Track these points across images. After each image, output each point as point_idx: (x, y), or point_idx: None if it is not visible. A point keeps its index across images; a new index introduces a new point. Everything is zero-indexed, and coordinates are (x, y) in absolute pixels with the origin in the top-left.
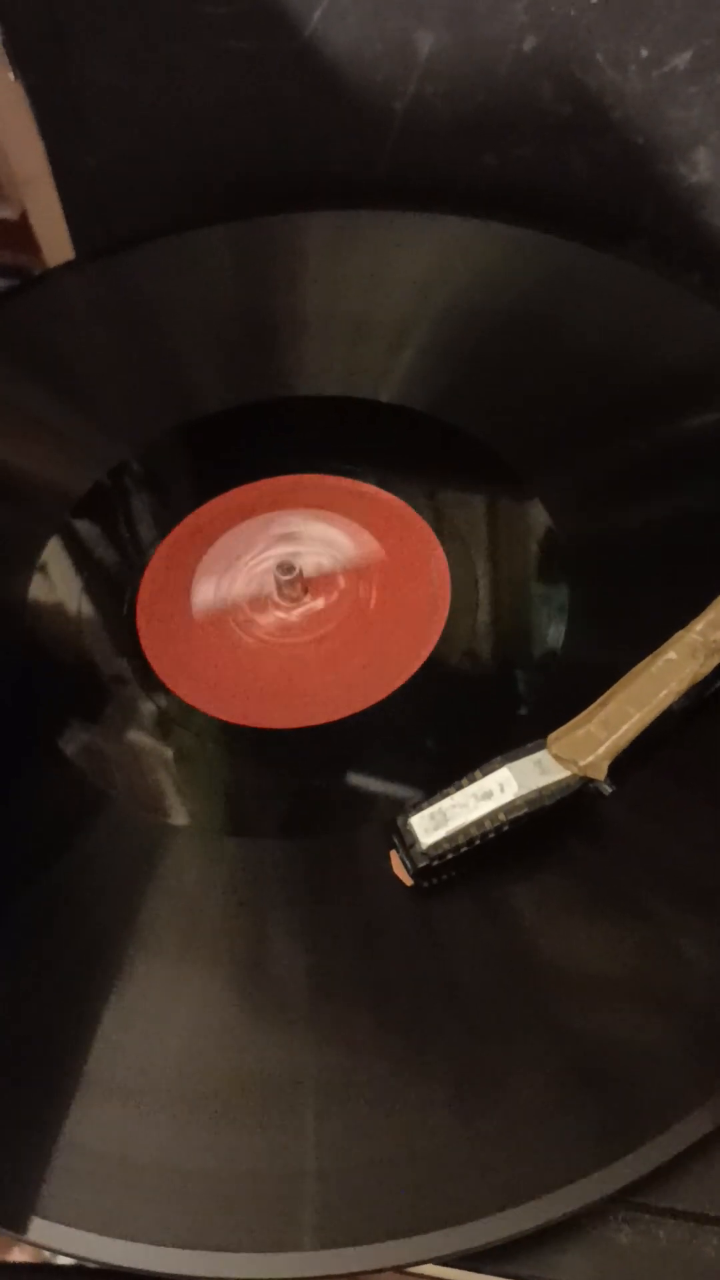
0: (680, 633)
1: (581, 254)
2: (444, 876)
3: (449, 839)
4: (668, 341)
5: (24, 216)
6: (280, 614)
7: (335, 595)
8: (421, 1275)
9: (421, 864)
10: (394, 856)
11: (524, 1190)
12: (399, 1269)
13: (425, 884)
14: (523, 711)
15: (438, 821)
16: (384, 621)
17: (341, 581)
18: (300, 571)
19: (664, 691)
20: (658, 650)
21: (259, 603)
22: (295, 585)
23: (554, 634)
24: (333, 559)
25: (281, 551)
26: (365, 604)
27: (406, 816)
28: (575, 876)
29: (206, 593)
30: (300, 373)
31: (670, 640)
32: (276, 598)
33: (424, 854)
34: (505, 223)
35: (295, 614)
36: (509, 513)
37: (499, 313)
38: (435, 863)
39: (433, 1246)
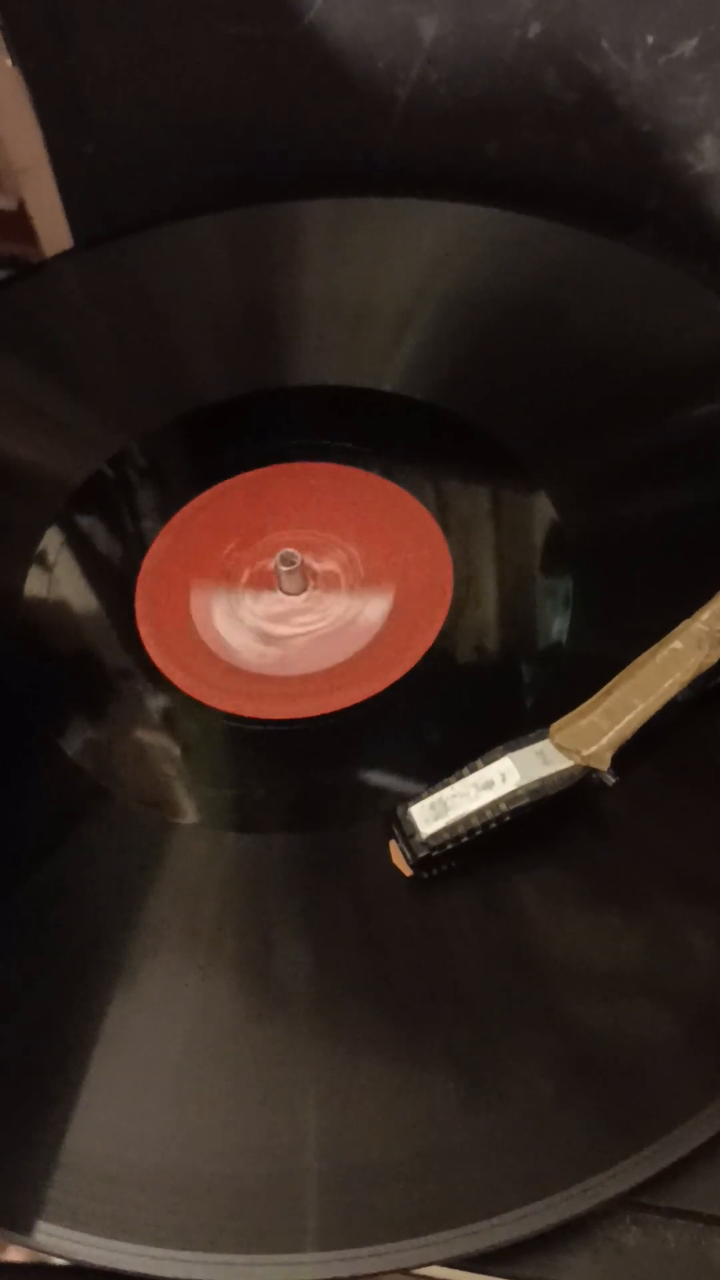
0: (686, 622)
1: (586, 242)
2: (444, 867)
3: (449, 829)
4: (673, 330)
5: (22, 207)
6: (281, 605)
7: (336, 585)
8: (426, 1277)
9: (421, 854)
10: (393, 846)
11: (530, 1191)
12: (403, 1271)
13: (425, 874)
14: (526, 704)
15: (438, 811)
16: (386, 608)
17: (343, 577)
18: (302, 563)
19: (669, 681)
20: (663, 640)
21: (260, 593)
22: (297, 576)
23: (558, 625)
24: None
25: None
26: (367, 595)
27: (406, 806)
28: (578, 869)
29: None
30: (301, 361)
31: (676, 630)
32: (278, 589)
33: (424, 844)
34: (509, 210)
35: (296, 605)
36: (512, 502)
37: (503, 301)
38: (435, 853)
39: (437, 1248)
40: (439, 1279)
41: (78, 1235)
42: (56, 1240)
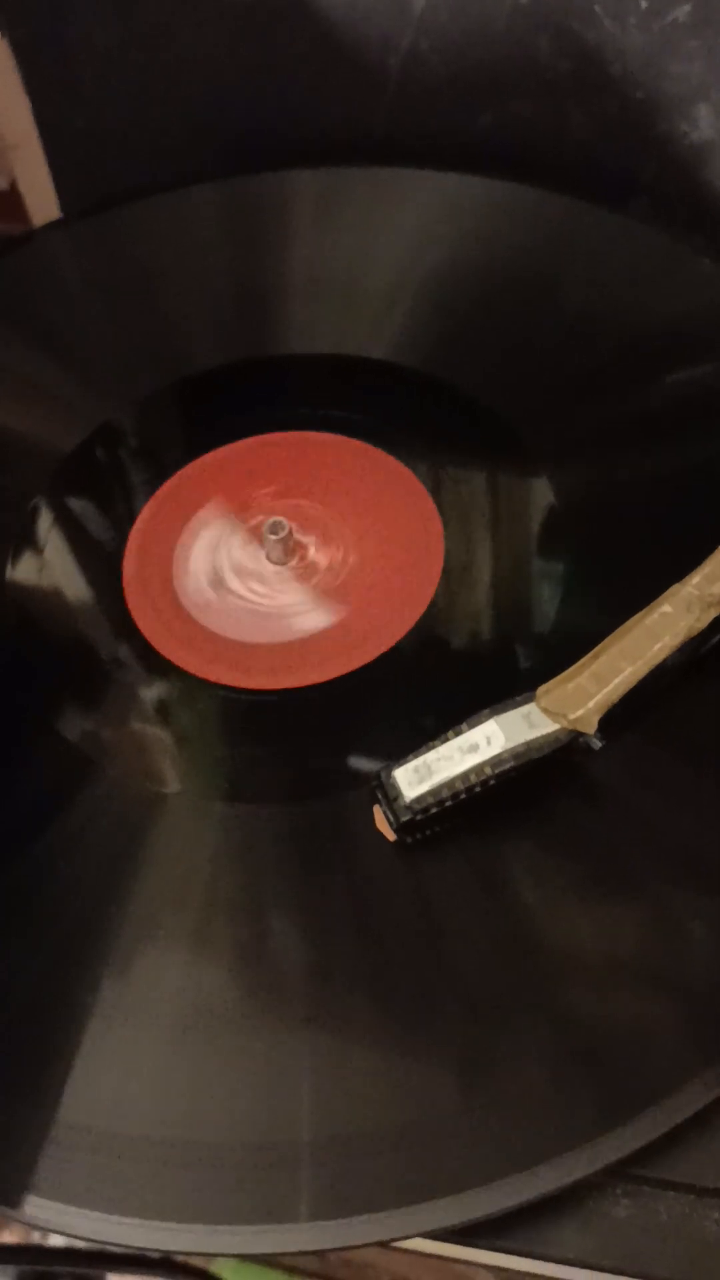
0: (676, 586)
1: (581, 212)
2: (428, 831)
3: (433, 792)
4: (667, 299)
5: (13, 185)
6: (269, 574)
7: (325, 555)
8: (415, 1250)
9: (405, 818)
10: (377, 811)
11: (519, 1161)
12: (392, 1242)
13: (409, 839)
14: (518, 673)
15: (422, 775)
16: (376, 578)
17: (332, 546)
18: (290, 532)
19: (658, 645)
20: (652, 604)
21: (248, 563)
22: (285, 545)
23: (551, 594)
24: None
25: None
26: (357, 564)
27: (390, 769)
28: (566, 836)
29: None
30: (293, 331)
31: (665, 593)
32: (267, 558)
33: (408, 807)
34: (503, 180)
35: (284, 573)
36: (505, 470)
37: (497, 271)
38: (419, 817)
39: (426, 1219)
40: (428, 1252)
41: (68, 1209)
42: (49, 1215)
